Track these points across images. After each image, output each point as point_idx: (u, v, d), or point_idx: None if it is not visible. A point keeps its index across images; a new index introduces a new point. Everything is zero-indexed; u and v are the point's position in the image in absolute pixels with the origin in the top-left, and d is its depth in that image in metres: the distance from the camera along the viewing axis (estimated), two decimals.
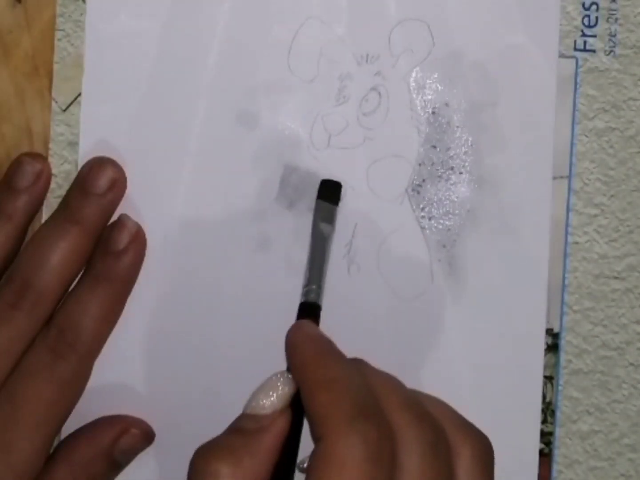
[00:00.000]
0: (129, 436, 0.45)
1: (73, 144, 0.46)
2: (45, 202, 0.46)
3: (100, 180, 0.44)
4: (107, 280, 0.44)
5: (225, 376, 0.46)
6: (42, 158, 0.46)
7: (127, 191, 0.46)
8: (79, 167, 0.46)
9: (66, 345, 0.43)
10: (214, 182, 0.46)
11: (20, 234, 0.45)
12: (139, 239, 0.45)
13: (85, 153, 0.46)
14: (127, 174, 0.46)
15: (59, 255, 0.43)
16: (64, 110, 0.47)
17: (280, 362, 0.38)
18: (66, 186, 0.46)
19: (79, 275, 0.45)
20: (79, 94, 0.46)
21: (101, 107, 0.46)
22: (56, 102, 0.47)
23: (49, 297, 0.43)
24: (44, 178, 0.45)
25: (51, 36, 0.46)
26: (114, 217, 0.45)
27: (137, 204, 0.46)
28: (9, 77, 0.46)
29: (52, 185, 0.46)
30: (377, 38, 0.46)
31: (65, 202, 0.44)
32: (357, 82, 0.46)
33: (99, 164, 0.45)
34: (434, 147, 0.47)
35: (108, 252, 0.44)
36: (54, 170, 0.46)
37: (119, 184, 0.45)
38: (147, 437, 0.45)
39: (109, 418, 0.45)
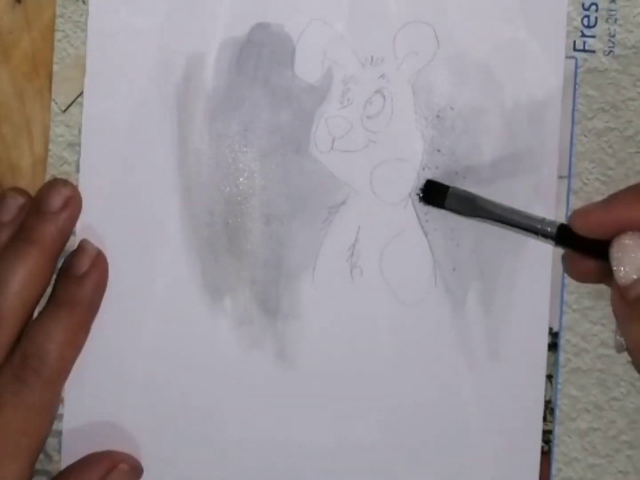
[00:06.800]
0: (118, 472, 0.45)
1: (73, 145, 0.46)
2: None
3: (54, 199, 0.44)
4: (69, 305, 0.44)
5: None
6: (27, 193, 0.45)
7: (130, 190, 0.46)
8: (80, 168, 0.46)
9: (31, 371, 0.42)
10: (215, 175, 0.46)
11: None
12: (99, 263, 0.45)
13: (87, 150, 0.46)
14: (127, 173, 0.46)
15: (17, 277, 0.43)
16: (64, 111, 0.46)
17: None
18: None
19: (45, 302, 0.45)
20: (79, 95, 0.46)
21: (103, 105, 0.46)
22: (56, 102, 0.46)
23: (10, 320, 0.43)
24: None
25: (51, 37, 0.46)
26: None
27: (138, 203, 0.46)
28: (9, 77, 0.46)
29: None
30: (382, 40, 0.46)
31: (22, 225, 0.44)
32: (361, 85, 0.46)
33: (52, 184, 0.45)
34: (438, 150, 0.47)
35: (69, 277, 0.44)
36: (53, 172, 0.46)
37: (73, 202, 0.45)
38: (135, 472, 0.46)
39: (98, 454, 0.46)
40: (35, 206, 0.44)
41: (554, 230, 0.41)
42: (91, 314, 0.45)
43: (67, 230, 0.45)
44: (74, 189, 0.45)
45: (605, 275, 0.40)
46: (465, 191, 0.45)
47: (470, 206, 0.44)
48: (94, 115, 0.46)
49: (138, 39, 0.46)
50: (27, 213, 0.44)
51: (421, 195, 0.46)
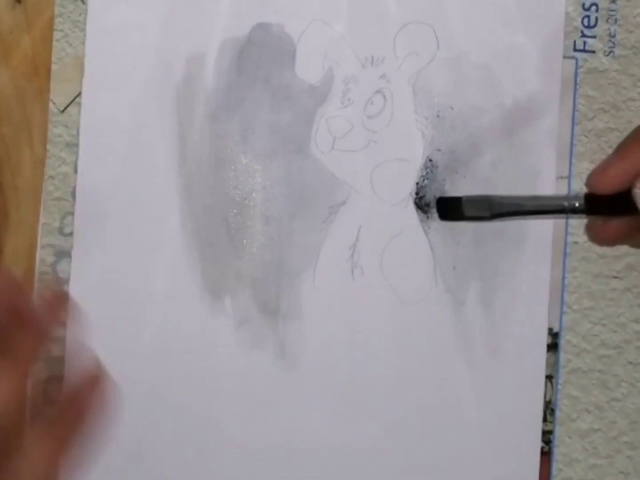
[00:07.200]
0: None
1: (71, 145, 0.46)
2: (42, 205, 0.46)
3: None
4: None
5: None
6: None
7: (129, 190, 0.46)
8: (78, 169, 0.46)
9: None
10: (215, 175, 0.46)
11: None
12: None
13: (85, 150, 0.46)
14: (127, 173, 0.46)
15: None
16: (62, 112, 0.46)
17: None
18: (64, 188, 0.46)
19: None
20: (77, 95, 0.46)
21: (101, 106, 0.46)
22: (54, 103, 0.46)
23: None
24: None
25: (51, 37, 0.46)
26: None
27: (138, 203, 0.46)
28: (9, 77, 0.46)
29: (50, 187, 0.46)
30: (382, 41, 0.46)
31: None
32: (362, 85, 0.46)
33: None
34: (439, 150, 0.47)
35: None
36: (51, 172, 0.46)
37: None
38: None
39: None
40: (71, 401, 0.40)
41: (582, 202, 0.39)
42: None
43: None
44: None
45: (631, 231, 0.39)
46: (478, 195, 0.43)
47: (488, 208, 0.43)
48: (93, 115, 0.46)
49: (138, 39, 0.46)
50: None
51: (438, 214, 0.44)
